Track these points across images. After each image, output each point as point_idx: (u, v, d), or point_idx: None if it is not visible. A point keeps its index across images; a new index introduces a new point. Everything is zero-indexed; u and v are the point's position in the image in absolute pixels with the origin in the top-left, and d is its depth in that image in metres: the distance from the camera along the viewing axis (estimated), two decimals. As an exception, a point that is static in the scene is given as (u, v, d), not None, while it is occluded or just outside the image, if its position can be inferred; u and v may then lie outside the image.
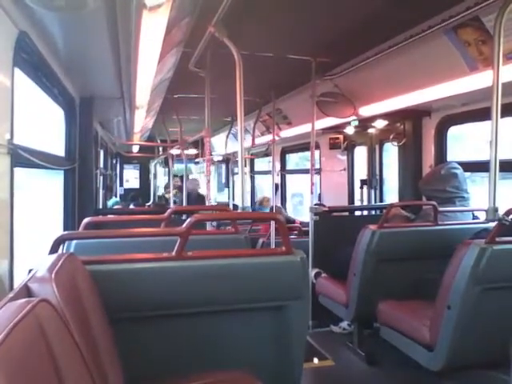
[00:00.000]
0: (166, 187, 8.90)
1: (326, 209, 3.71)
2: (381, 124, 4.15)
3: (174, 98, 4.70)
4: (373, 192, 4.79)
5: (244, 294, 1.66)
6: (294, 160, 7.58)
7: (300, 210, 7.33)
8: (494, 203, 2.06)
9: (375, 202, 4.76)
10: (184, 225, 1.63)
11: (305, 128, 4.61)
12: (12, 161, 1.68)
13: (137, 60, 2.29)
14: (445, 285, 2.08)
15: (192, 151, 8.48)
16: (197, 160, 10.36)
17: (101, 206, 5.56)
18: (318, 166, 5.58)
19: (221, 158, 9.04)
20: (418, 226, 2.88)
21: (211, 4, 2.13)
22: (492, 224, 2.11)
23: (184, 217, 3.36)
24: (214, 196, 9.25)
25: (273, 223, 3.99)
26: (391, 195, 4.66)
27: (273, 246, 4.08)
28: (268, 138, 5.68)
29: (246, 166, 6.94)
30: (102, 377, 1.11)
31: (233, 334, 1.71)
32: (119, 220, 2.91)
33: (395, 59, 3.06)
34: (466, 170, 3.02)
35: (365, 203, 4.86)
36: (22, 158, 1.80)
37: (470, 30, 2.44)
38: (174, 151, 6.72)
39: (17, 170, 1.75)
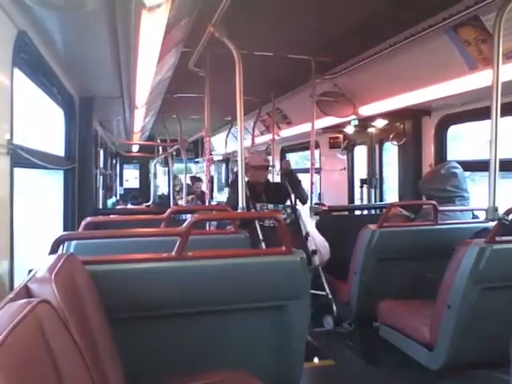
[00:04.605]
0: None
1: (326, 208, 3.72)
2: (381, 123, 4.15)
3: (173, 98, 4.70)
4: (373, 191, 4.78)
5: (244, 293, 1.66)
6: (293, 159, 7.56)
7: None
8: (494, 202, 2.06)
9: (375, 201, 4.76)
10: (184, 225, 1.63)
11: (304, 127, 4.61)
12: (12, 161, 1.67)
13: (136, 59, 2.28)
14: (445, 284, 2.08)
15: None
16: (197, 159, 10.37)
17: (101, 206, 5.56)
18: (317, 166, 5.58)
19: (221, 158, 9.04)
20: (417, 225, 2.87)
21: (211, 4, 2.13)
22: (492, 223, 2.11)
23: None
24: (214, 195, 9.23)
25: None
26: (391, 194, 4.66)
27: None
28: (268, 137, 5.69)
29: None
30: (102, 377, 1.11)
31: (233, 334, 1.71)
32: (119, 220, 2.90)
33: (395, 58, 3.06)
34: (465, 170, 3.02)
35: (365, 202, 4.86)
36: (21, 158, 1.80)
37: (470, 29, 2.44)
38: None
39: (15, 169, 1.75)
